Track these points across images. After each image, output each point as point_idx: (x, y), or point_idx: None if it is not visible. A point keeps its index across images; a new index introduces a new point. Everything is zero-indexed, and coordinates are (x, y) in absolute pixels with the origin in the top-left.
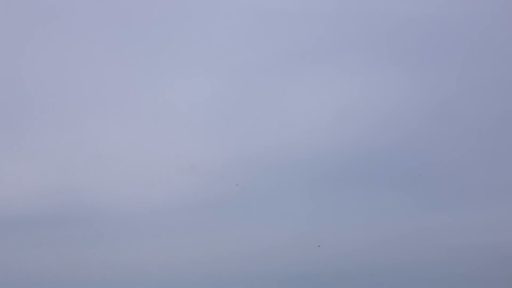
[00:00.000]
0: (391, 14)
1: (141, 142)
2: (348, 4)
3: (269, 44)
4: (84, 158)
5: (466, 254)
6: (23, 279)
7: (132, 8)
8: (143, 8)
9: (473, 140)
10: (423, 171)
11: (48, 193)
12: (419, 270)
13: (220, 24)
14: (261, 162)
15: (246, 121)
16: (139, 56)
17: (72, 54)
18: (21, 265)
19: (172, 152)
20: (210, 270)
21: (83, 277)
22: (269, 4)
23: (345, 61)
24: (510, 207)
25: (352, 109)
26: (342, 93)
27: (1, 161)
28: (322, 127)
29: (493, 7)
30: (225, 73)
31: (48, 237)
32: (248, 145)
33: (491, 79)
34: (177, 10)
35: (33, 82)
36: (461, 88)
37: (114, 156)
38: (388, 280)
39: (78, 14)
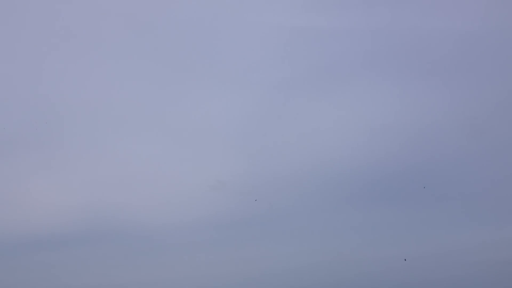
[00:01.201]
0: (422, 28)
1: (171, 160)
2: (378, 20)
3: (299, 62)
4: (114, 176)
5: (506, 269)
6: None
7: (163, 29)
8: (173, 28)
9: (509, 155)
10: (458, 187)
11: (79, 211)
12: (458, 286)
13: (249, 43)
14: (291, 179)
15: (276, 139)
16: (169, 75)
17: (103, 74)
18: (55, 282)
19: (202, 170)
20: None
21: None
22: (297, 23)
23: (376, 77)
24: None
25: (383, 126)
26: (373, 109)
27: (33, 181)
28: (353, 144)
29: None
30: (254, 91)
31: (79, 254)
32: (278, 163)
33: None
34: (207, 29)
35: (63, 103)
36: (493, 103)
37: (144, 174)
38: None
39: (111, 34)
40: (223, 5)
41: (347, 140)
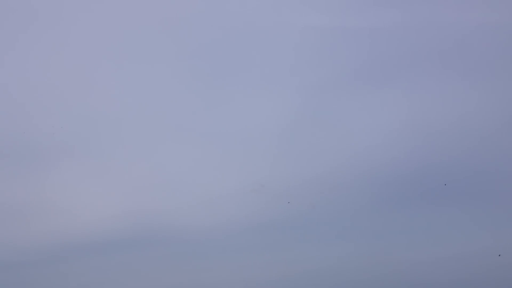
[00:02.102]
0: (465, 25)
1: (211, 164)
2: (417, 17)
3: (337, 63)
4: (160, 182)
5: None
6: None
7: (200, 35)
8: (211, 34)
9: None
10: (497, 185)
11: (128, 217)
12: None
13: (286, 46)
14: (331, 181)
15: (315, 141)
16: (208, 81)
17: (146, 83)
18: (104, 286)
19: (243, 174)
20: None
21: None
22: (335, 23)
23: (416, 76)
24: None
25: (424, 125)
26: (414, 108)
27: (83, 188)
28: (393, 144)
29: None
30: (293, 94)
31: (127, 258)
32: (318, 165)
33: None
34: (244, 34)
35: (110, 112)
36: None
37: (187, 179)
38: None
39: (152, 44)
40: (259, 9)
41: (387, 140)
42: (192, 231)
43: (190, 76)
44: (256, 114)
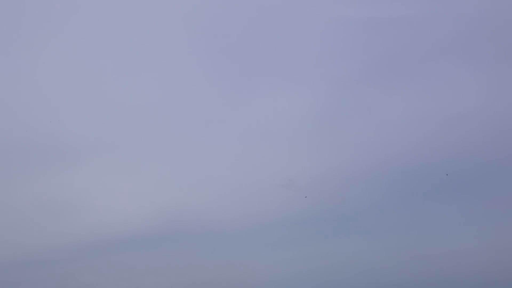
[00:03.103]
0: (489, 11)
1: (241, 159)
2: (446, 5)
3: (368, 53)
4: (186, 178)
5: None
6: None
7: (227, 26)
8: (238, 25)
9: None
10: None
11: (154, 213)
12: None
13: (316, 36)
14: (363, 175)
15: (346, 134)
16: (235, 73)
17: (170, 76)
18: (131, 283)
19: (271, 168)
20: (314, 284)
21: None
22: (364, 13)
23: (451, 64)
24: None
25: (460, 115)
26: (449, 98)
27: (108, 185)
28: (425, 136)
29: None
30: (323, 86)
31: (154, 255)
32: (348, 158)
33: None
34: (272, 24)
35: (135, 107)
36: None
37: (215, 175)
38: None
39: (170, 38)
40: (284, 0)
41: (421, 132)
42: (221, 226)
43: (215, 71)
44: (284, 107)
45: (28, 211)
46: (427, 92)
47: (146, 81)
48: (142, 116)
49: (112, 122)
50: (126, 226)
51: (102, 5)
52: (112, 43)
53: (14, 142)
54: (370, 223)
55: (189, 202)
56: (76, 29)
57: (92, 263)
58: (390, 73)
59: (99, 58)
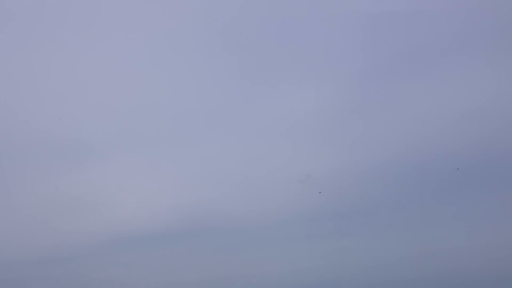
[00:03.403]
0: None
1: (259, 155)
2: (461, 0)
3: (384, 48)
4: (208, 174)
5: None
6: None
7: (246, 24)
8: (256, 23)
9: None
10: None
11: (175, 210)
12: None
13: (332, 33)
14: (380, 169)
15: (364, 130)
16: (254, 71)
17: (189, 74)
18: (155, 277)
19: (288, 164)
20: (332, 279)
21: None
22: (379, 7)
23: (467, 58)
24: None
25: (476, 110)
26: (465, 93)
27: (133, 182)
28: (445, 130)
29: None
30: (339, 81)
31: (176, 251)
32: (366, 154)
33: None
34: (289, 22)
35: (157, 106)
36: None
37: (235, 171)
38: None
39: (193, 34)
40: None
41: (438, 127)
42: (238, 222)
43: (236, 67)
44: (304, 104)
45: (46, 209)
46: (442, 87)
47: (163, 80)
48: (159, 114)
49: (129, 120)
50: (144, 223)
51: (120, 6)
52: (129, 44)
53: (34, 141)
54: (386, 218)
55: (206, 199)
56: (94, 30)
57: (110, 260)
58: (404, 69)
59: (117, 59)
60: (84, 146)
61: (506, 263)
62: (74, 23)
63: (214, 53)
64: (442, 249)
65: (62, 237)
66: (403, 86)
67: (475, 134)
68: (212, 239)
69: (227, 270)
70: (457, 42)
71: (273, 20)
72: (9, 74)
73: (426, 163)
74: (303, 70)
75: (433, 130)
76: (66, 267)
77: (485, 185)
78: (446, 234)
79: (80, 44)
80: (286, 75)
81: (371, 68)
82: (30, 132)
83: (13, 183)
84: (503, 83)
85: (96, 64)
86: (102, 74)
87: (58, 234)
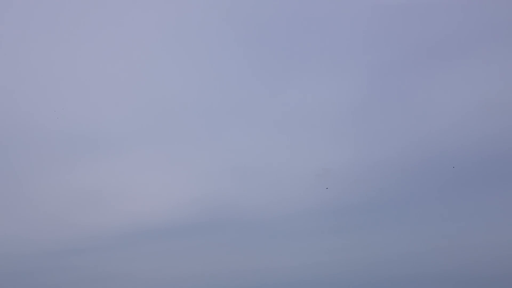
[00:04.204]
0: None
1: (278, 149)
2: None
3: (405, 40)
4: (228, 168)
5: None
6: (178, 281)
7: (264, 17)
8: (274, 16)
9: None
10: None
11: (194, 203)
12: None
13: (352, 24)
14: (399, 163)
15: (384, 123)
16: (273, 64)
17: (210, 68)
18: (176, 270)
19: (308, 158)
20: (349, 274)
21: (227, 279)
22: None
23: (492, 50)
24: None
25: (496, 103)
26: (487, 85)
27: (154, 175)
28: (462, 124)
29: None
30: (356, 74)
31: (195, 243)
32: (385, 147)
33: None
34: (308, 14)
35: (178, 99)
36: None
37: (254, 164)
38: None
39: (212, 27)
40: None
41: (455, 121)
42: (257, 215)
43: (256, 59)
44: (322, 97)
45: (63, 202)
46: (460, 81)
47: (180, 73)
48: (175, 107)
49: (145, 113)
50: (159, 216)
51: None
52: (147, 35)
53: (50, 135)
54: (401, 213)
55: (222, 192)
56: (112, 22)
57: (126, 253)
58: (421, 62)
59: (134, 51)
60: (101, 139)
61: None
62: (91, 15)
63: (232, 47)
64: (456, 245)
65: (78, 230)
66: (420, 80)
67: (492, 128)
68: (227, 231)
69: (248, 263)
70: (475, 35)
71: (291, 14)
72: (28, 67)
73: (443, 157)
74: (320, 64)
75: (449, 123)
76: (82, 259)
77: (503, 180)
78: (460, 230)
79: (96, 36)
80: (303, 69)
81: (388, 61)
82: (46, 125)
83: (30, 177)
84: None
85: (113, 56)
86: (119, 66)
87: (74, 226)
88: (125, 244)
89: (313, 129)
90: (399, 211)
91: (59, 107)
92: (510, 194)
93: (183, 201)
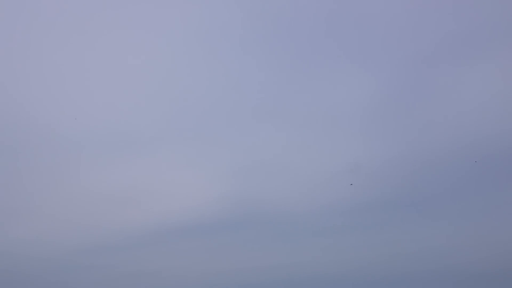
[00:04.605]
0: None
1: (307, 145)
2: None
3: (440, 29)
4: (257, 165)
5: None
6: (208, 277)
7: (287, 11)
8: (298, 9)
9: None
10: None
11: (223, 201)
12: None
13: (381, 16)
14: (431, 159)
15: (417, 117)
16: (299, 62)
17: (234, 68)
18: (205, 266)
19: (337, 153)
20: (379, 271)
21: (254, 275)
22: None
23: None
24: None
25: None
26: None
27: (185, 173)
28: (502, 118)
29: None
30: (387, 69)
31: (224, 240)
32: (416, 142)
33: None
34: (334, 7)
35: (203, 100)
36: None
37: (284, 161)
38: None
39: (237, 28)
40: None
41: (496, 114)
42: (286, 212)
43: (284, 56)
44: (354, 92)
45: (100, 200)
46: (504, 71)
47: (211, 72)
48: (206, 106)
49: (177, 112)
50: (193, 213)
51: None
52: (174, 34)
53: (86, 135)
54: (442, 209)
55: (259, 189)
56: (139, 23)
57: (161, 249)
58: (463, 52)
59: (168, 57)
60: (134, 139)
61: None
62: (120, 17)
63: (264, 45)
64: (486, 240)
65: (116, 227)
66: (456, 73)
67: None
68: (254, 228)
69: (277, 259)
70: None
71: (317, 12)
72: (64, 68)
73: (486, 152)
74: (355, 57)
75: (495, 117)
76: (115, 257)
77: None
78: (491, 225)
79: (128, 40)
80: (335, 65)
81: (426, 51)
82: (81, 126)
83: (67, 177)
84: None
85: (146, 63)
86: (150, 73)
87: (109, 225)
88: (156, 241)
89: (347, 124)
90: (428, 207)
91: (96, 109)
92: None
93: (211, 199)
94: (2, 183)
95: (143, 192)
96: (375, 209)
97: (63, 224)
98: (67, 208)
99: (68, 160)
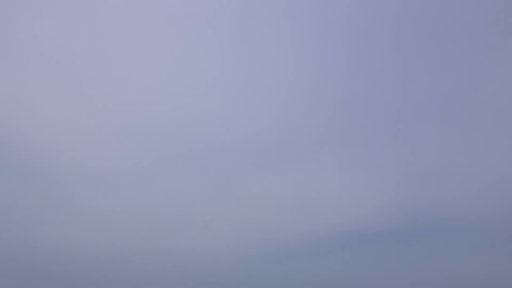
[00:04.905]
0: None
1: (475, 148)
2: None
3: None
4: (428, 170)
5: None
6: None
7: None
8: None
9: None
10: None
11: (393, 207)
12: None
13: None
14: None
15: None
16: (471, 55)
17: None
18: (377, 277)
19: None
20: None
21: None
22: None
23: None
24: None
25: None
26: None
27: (345, 180)
28: None
29: None
30: None
31: (397, 249)
32: None
33: None
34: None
35: (366, 101)
36: None
37: (452, 166)
38: None
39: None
40: None
41: None
42: (469, 221)
43: (455, 53)
44: None
45: (271, 206)
46: None
47: (372, 70)
48: (371, 107)
49: (341, 115)
50: (366, 220)
51: None
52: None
53: (249, 141)
54: None
55: (425, 195)
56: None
57: (338, 257)
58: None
59: (323, 51)
60: (297, 143)
61: None
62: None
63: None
64: None
65: (286, 235)
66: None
67: None
68: (431, 237)
69: (451, 273)
70: None
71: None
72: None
73: None
74: None
75: None
76: (299, 262)
77: None
78: None
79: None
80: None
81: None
82: (243, 131)
83: (232, 183)
84: None
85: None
86: (313, 67)
87: (276, 232)
88: (336, 248)
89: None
90: None
91: (261, 116)
92: None
93: (383, 205)
94: (185, 192)
95: (314, 199)
96: None
97: (238, 230)
98: (235, 215)
99: (233, 167)
